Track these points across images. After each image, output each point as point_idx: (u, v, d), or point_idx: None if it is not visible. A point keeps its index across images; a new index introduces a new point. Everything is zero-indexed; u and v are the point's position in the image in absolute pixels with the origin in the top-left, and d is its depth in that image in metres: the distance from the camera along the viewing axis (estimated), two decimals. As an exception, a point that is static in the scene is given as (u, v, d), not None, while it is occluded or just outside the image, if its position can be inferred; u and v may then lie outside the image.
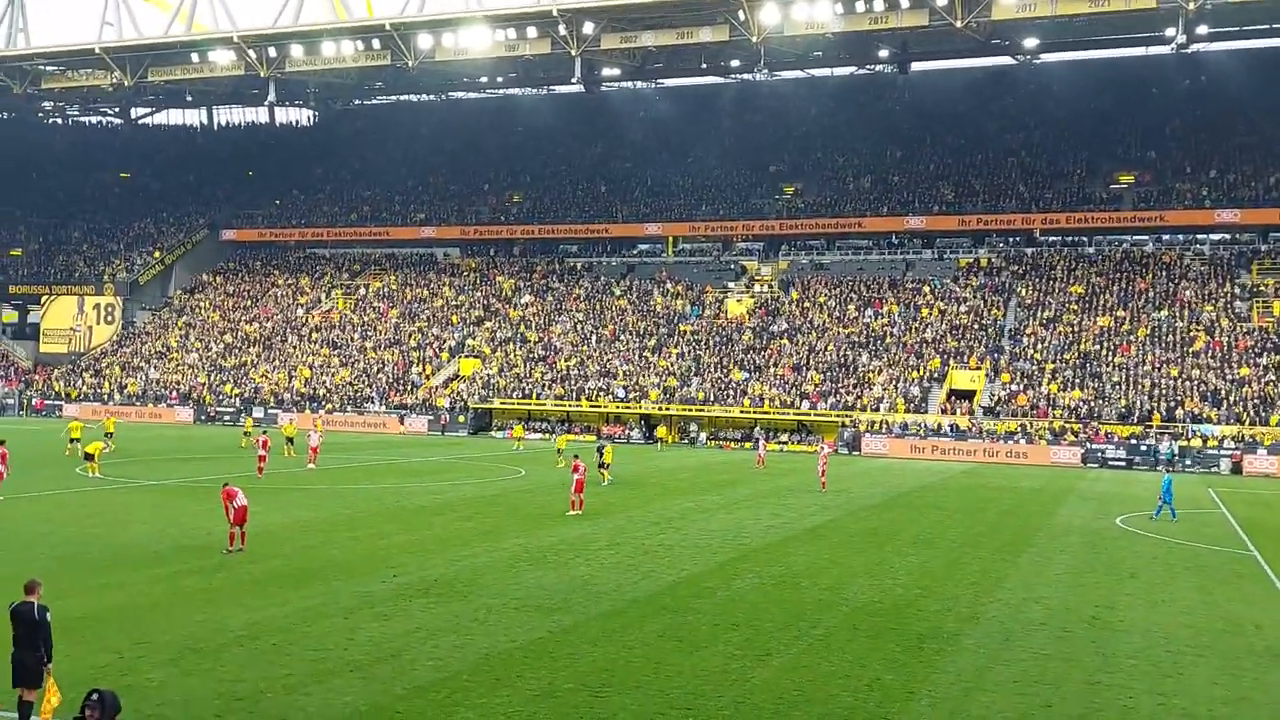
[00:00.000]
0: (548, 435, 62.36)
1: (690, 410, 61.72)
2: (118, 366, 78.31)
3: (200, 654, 13.97)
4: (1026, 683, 13.72)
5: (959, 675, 14.01)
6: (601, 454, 37.53)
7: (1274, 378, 55.54)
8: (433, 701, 12.29)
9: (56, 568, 19.14)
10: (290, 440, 46.89)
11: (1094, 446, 52.85)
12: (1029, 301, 66.11)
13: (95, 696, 7.72)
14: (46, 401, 74.24)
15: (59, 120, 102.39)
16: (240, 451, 45.06)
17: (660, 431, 60.20)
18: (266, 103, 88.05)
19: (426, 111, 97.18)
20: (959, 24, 60.00)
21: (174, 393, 72.90)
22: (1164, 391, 55.81)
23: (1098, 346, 60.49)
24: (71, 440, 43.20)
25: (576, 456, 29.24)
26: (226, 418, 68.92)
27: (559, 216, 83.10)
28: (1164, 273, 66.20)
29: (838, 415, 58.72)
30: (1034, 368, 59.84)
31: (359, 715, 11.77)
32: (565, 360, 68.45)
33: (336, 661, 13.78)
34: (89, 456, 35.51)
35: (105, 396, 73.85)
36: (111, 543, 22.22)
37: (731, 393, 62.01)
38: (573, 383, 65.55)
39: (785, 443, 58.80)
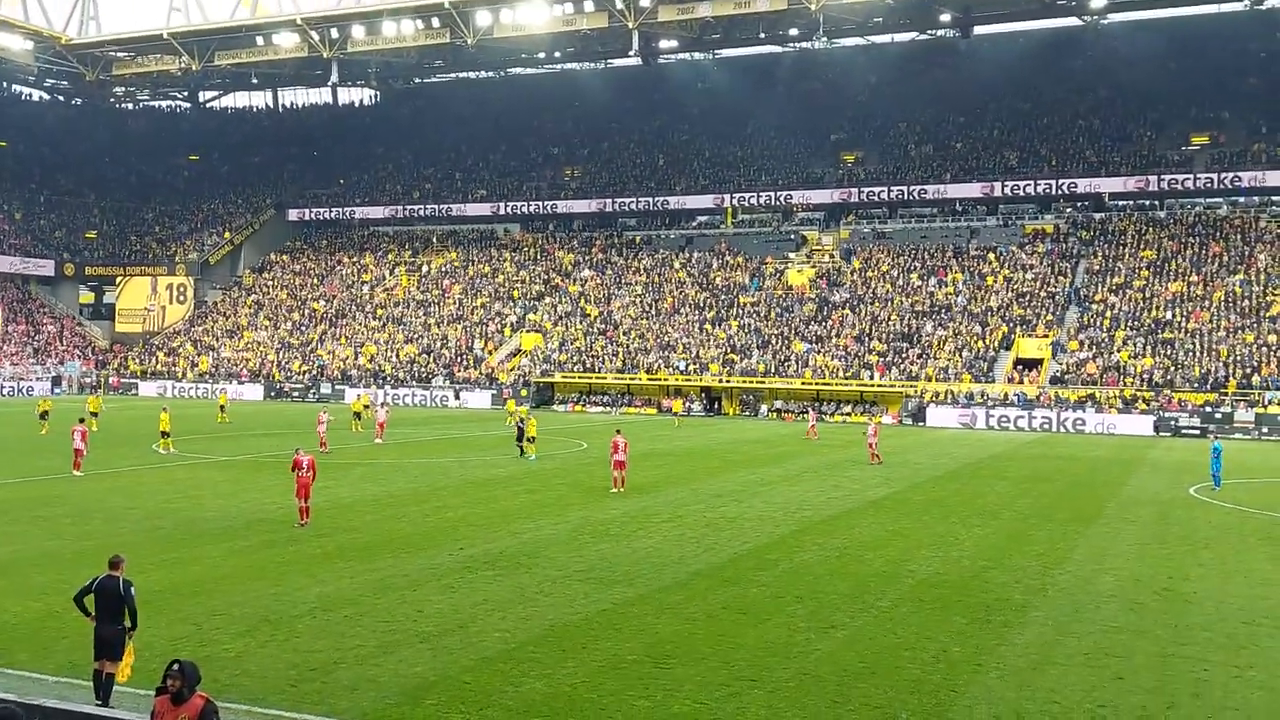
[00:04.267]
0: (608, 409, 62.74)
1: (750, 382, 61.55)
2: (190, 344, 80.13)
3: (274, 625, 14.32)
4: (1097, 655, 13.53)
5: (1027, 648, 13.86)
6: (523, 425, 36.09)
7: (1356, 343, 53.86)
8: (500, 672, 12.48)
9: (137, 541, 19.72)
10: (358, 415, 47.71)
11: (1166, 414, 51.75)
12: (1098, 268, 64.77)
13: (176, 666, 7.95)
14: (122, 380, 76.24)
15: (130, 105, 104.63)
16: (307, 427, 45.23)
17: (676, 406, 58.75)
18: (329, 83, 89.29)
19: (485, 88, 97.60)
20: (1024, -15, 58.63)
21: (243, 370, 74.44)
22: (1239, 358, 54.41)
23: (1170, 313, 59.11)
24: (41, 415, 42.99)
25: (619, 432, 29.04)
26: (296, 394, 70.27)
27: (617, 190, 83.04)
28: (1238, 236, 64.42)
29: (902, 386, 58.17)
30: (1104, 335, 58.68)
31: (429, 686, 11.98)
32: (625, 334, 68.60)
33: (406, 633, 14.03)
34: (164, 434, 36.44)
35: (179, 374, 75.67)
36: (188, 517, 22.83)
37: (793, 364, 61.69)
38: (632, 356, 65.70)
39: (849, 414, 58.42)
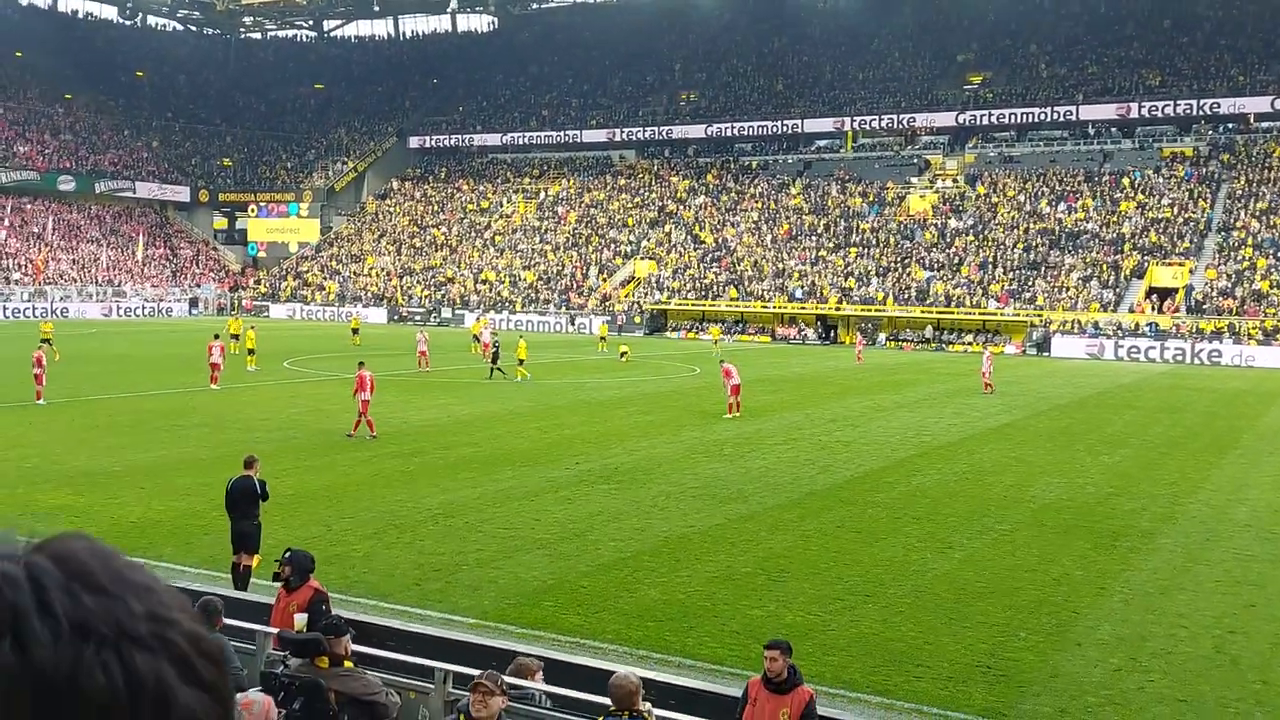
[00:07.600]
0: (722, 337, 62.47)
1: (869, 310, 60.51)
2: (317, 269, 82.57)
3: (400, 529, 14.86)
4: (1229, 583, 13.10)
5: (1155, 574, 13.49)
6: (497, 346, 35.95)
7: None
8: (615, 579, 12.72)
9: (271, 450, 20.51)
10: (477, 338, 48.55)
11: (1311, 348, 49.13)
12: (1240, 192, 61.35)
13: (288, 554, 8.35)
14: (255, 302, 79.17)
15: (257, 35, 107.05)
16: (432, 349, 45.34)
17: (714, 332, 56.34)
18: (449, 10, 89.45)
19: (603, 13, 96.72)
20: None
21: (368, 294, 76.43)
22: (1396, 289, 51.19)
23: (1319, 241, 55.79)
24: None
25: (724, 360, 28.78)
26: (417, 318, 71.92)
27: (735, 115, 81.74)
28: (1401, 159, 60.15)
29: (1027, 315, 56.46)
30: (1245, 264, 55.77)
31: (546, 589, 12.30)
32: (739, 262, 68.01)
33: (525, 540, 14.40)
34: (250, 351, 37.69)
35: (307, 298, 78.16)
36: (318, 429, 23.75)
37: (913, 293, 60.38)
38: (747, 284, 65.17)
39: (970, 344, 57.06)
